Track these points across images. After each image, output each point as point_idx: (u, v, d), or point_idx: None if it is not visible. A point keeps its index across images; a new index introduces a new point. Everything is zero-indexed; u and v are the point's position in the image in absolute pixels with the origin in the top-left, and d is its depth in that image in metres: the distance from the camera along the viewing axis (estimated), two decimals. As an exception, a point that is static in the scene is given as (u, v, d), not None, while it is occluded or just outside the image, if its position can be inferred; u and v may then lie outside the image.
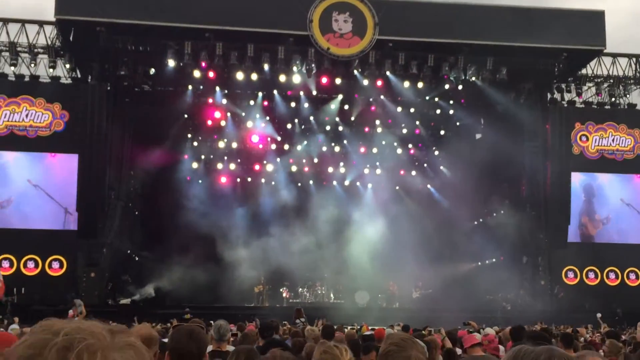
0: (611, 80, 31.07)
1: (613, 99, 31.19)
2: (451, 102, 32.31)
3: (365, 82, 29.57)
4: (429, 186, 35.61)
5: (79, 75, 28.98)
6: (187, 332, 4.40)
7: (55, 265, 27.08)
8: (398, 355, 3.46)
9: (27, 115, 27.48)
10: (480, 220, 34.04)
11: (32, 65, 28.01)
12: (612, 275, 29.78)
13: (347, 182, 35.54)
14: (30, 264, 26.85)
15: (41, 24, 28.01)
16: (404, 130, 34.20)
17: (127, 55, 28.10)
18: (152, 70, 29.38)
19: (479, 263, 33.26)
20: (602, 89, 31.26)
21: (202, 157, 34.56)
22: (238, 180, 34.96)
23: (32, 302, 23.94)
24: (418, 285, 31.75)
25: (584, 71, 30.92)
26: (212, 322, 9.52)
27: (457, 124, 33.41)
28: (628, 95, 31.37)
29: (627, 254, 29.90)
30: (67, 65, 28.57)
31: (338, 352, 3.89)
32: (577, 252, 29.36)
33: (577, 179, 30.36)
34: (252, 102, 32.30)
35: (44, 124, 27.54)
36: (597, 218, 30.48)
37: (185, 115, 32.94)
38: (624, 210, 30.58)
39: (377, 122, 33.53)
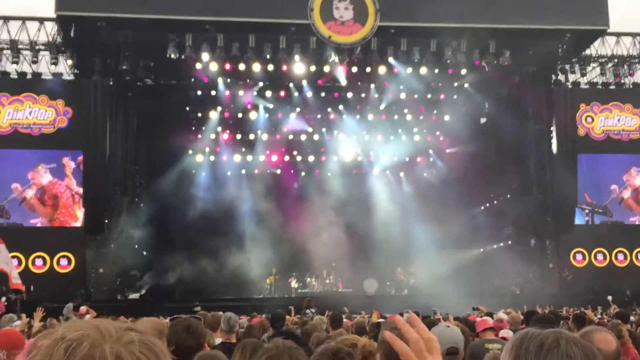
0: (615, 60, 30.86)
1: (618, 79, 31.02)
2: (456, 85, 32.16)
3: (368, 69, 29.48)
4: (434, 171, 35.56)
5: (81, 71, 28.94)
6: (184, 326, 4.38)
7: (64, 262, 27.15)
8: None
9: (30, 113, 27.49)
10: (487, 204, 33.98)
11: (34, 62, 27.99)
12: (620, 257, 29.68)
13: (353, 170, 35.50)
14: (39, 262, 26.93)
15: (42, 20, 27.96)
16: (408, 117, 34.13)
17: (129, 49, 28.03)
18: (153, 64, 29.35)
19: (487, 247, 33.23)
20: (607, 68, 31.07)
21: (207, 149, 34.57)
22: (243, 171, 34.98)
23: (41, 300, 23.96)
24: (412, 272, 31.69)
25: (587, 52, 30.72)
26: (207, 313, 9.53)
27: (463, 110, 33.29)
28: (633, 75, 31.17)
29: (636, 234, 29.81)
30: (69, 62, 28.56)
31: (354, 339, 3.88)
32: (585, 234, 29.27)
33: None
34: (254, 93, 32.21)
35: (47, 121, 27.55)
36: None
37: (187, 108, 32.90)
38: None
39: (382, 107, 33.42)
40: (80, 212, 27.63)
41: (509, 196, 32.01)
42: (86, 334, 1.21)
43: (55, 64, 28.03)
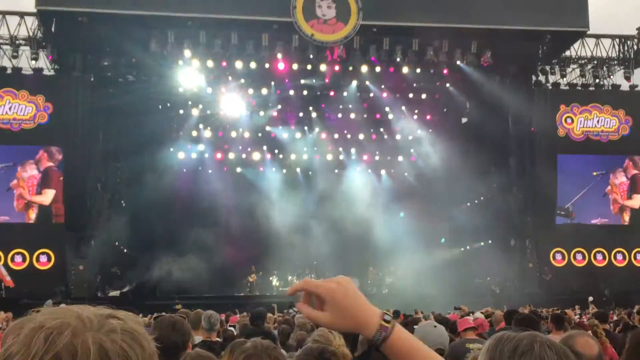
0: (595, 62, 31.16)
1: (597, 80, 31.30)
2: (438, 84, 32.30)
3: (350, 68, 29.54)
4: (415, 171, 35.67)
5: (62, 67, 28.72)
6: (169, 323, 4.36)
7: (43, 258, 26.92)
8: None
9: (10, 108, 27.22)
10: (468, 204, 34.15)
11: (14, 57, 27.73)
12: (599, 257, 29.95)
13: (335, 168, 35.53)
14: (18, 258, 26.68)
15: (22, 15, 27.73)
16: (390, 116, 34.23)
17: (110, 45, 27.84)
18: (134, 60, 29.20)
19: (467, 247, 33.40)
20: (586, 70, 31.36)
21: (189, 146, 34.49)
22: (225, 169, 34.93)
23: (20, 297, 23.80)
24: (391, 270, 31.80)
25: (567, 53, 31.00)
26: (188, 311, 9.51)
27: (445, 110, 33.46)
28: (612, 76, 31.46)
29: (614, 235, 30.10)
30: (50, 57, 28.33)
31: (332, 336, 3.89)
32: (565, 234, 29.50)
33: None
34: (235, 89, 32.12)
35: (27, 116, 27.30)
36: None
37: (169, 105, 32.76)
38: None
39: (365, 106, 33.49)
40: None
41: (489, 196, 32.17)
42: (66, 322, 1.16)
43: (36, 59, 27.80)
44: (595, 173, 30.54)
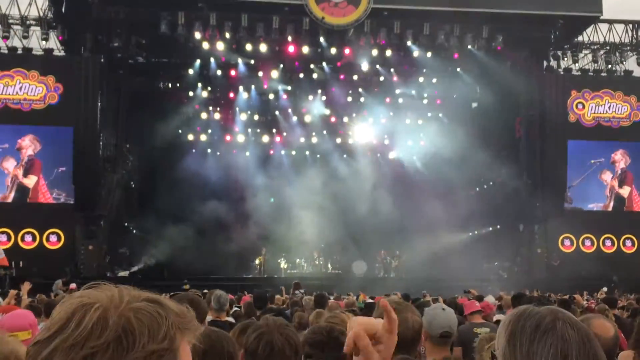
0: (607, 47, 30.92)
1: (609, 66, 31.08)
2: (449, 69, 32.15)
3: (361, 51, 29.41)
4: (424, 155, 35.55)
5: (72, 48, 28.71)
6: (187, 300, 4.38)
7: (53, 238, 27.09)
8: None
9: (21, 89, 27.29)
10: (477, 189, 34.08)
11: (25, 37, 27.75)
12: (608, 243, 29.89)
13: (344, 153, 35.45)
14: (28, 238, 26.86)
15: (33, -5, 27.74)
16: (400, 100, 34.11)
17: (120, 26, 27.82)
18: (145, 41, 29.17)
19: (476, 232, 33.37)
20: (599, 55, 31.11)
21: (199, 128, 34.51)
22: (234, 151, 34.93)
23: (30, 276, 23.91)
24: (396, 254, 31.80)
25: (580, 38, 30.77)
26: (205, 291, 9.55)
27: (454, 95, 33.30)
28: (624, 62, 31.23)
29: (624, 221, 30.02)
30: (60, 38, 28.32)
31: (345, 317, 3.90)
32: (574, 220, 29.42)
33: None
34: (245, 72, 32.05)
35: (38, 97, 27.36)
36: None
37: (178, 85, 32.72)
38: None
39: (376, 90, 33.42)
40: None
41: (498, 181, 32.09)
42: (100, 299, 1.25)
43: (46, 39, 27.80)
44: (592, 161, 30.44)
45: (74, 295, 1.28)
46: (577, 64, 31.16)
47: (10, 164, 27.42)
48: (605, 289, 22.05)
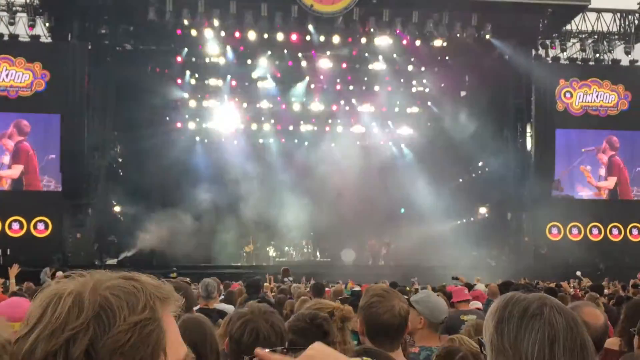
0: (595, 36, 31.01)
1: (597, 55, 31.17)
2: (439, 58, 32.17)
3: (349, 39, 29.37)
4: (413, 143, 35.63)
5: (59, 34, 28.49)
6: (175, 287, 4.37)
7: (41, 226, 26.96)
8: (381, 306, 3.49)
9: (7, 76, 27.08)
10: (465, 177, 34.19)
11: (11, 24, 27.50)
12: (595, 231, 30.07)
13: (332, 142, 35.40)
14: (15, 226, 26.71)
15: (19, -19, 27.48)
16: (389, 88, 34.09)
17: (108, 13, 27.64)
18: (132, 28, 28.98)
19: (464, 220, 33.49)
20: (587, 44, 31.20)
21: (187, 116, 34.38)
22: (223, 139, 34.82)
23: (17, 264, 23.84)
24: (385, 242, 31.86)
25: (568, 27, 30.82)
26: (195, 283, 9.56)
27: (441, 85, 33.33)
28: (612, 51, 31.32)
29: (610, 209, 30.21)
30: (47, 24, 28.10)
31: (329, 304, 3.91)
32: (561, 208, 29.55)
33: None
34: (234, 60, 31.90)
35: (24, 84, 27.16)
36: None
37: (166, 72, 32.55)
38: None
39: (365, 78, 33.40)
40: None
41: (487, 169, 32.22)
42: (74, 284, 1.27)
43: (33, 26, 27.58)
44: (584, 150, 30.58)
45: (46, 287, 1.30)
46: (565, 53, 31.27)
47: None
48: (579, 272, 22.22)
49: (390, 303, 3.51)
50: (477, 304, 8.86)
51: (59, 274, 15.45)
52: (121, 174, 32.83)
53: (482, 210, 33.13)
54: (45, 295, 1.27)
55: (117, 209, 32.18)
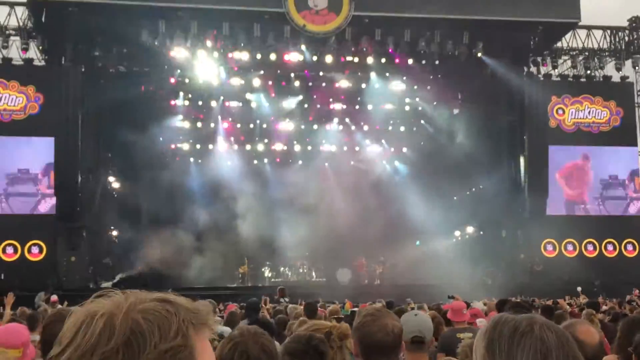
0: (586, 53, 31.24)
1: (588, 72, 31.37)
2: (431, 77, 32.33)
3: (342, 59, 29.50)
4: (407, 162, 35.71)
5: (52, 57, 28.55)
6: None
7: (35, 250, 26.84)
8: (374, 325, 3.48)
9: (0, 99, 27.11)
10: (460, 194, 34.22)
11: (4, 47, 27.56)
12: (590, 247, 30.09)
13: (326, 161, 35.44)
14: (9, 250, 26.60)
15: (12, 5, 27.58)
16: (382, 106, 34.18)
17: (101, 36, 27.68)
18: (126, 51, 29.06)
19: (459, 238, 33.47)
20: (578, 61, 31.43)
21: (181, 137, 34.40)
22: (217, 160, 34.79)
23: (12, 288, 23.67)
24: (381, 261, 31.79)
25: (559, 44, 31.05)
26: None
27: (434, 103, 33.47)
28: (603, 68, 31.54)
29: (605, 226, 30.24)
30: (40, 47, 28.17)
31: (328, 324, 3.89)
32: (556, 225, 29.60)
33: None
34: (227, 80, 31.98)
35: (18, 107, 27.18)
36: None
37: (160, 93, 32.60)
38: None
39: (358, 98, 33.52)
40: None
41: (481, 187, 32.26)
42: (106, 305, 1.25)
43: (26, 49, 27.65)
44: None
45: (80, 307, 1.29)
46: (556, 70, 31.47)
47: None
48: (579, 288, 22.19)
49: (383, 322, 3.51)
50: (483, 322, 8.77)
51: (54, 297, 15.30)
52: (115, 196, 32.77)
53: (477, 227, 33.10)
54: (79, 316, 1.25)
55: (111, 231, 32.06)
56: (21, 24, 27.46)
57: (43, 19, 26.96)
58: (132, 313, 1.23)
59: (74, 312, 1.28)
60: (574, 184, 30.72)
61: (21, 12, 27.39)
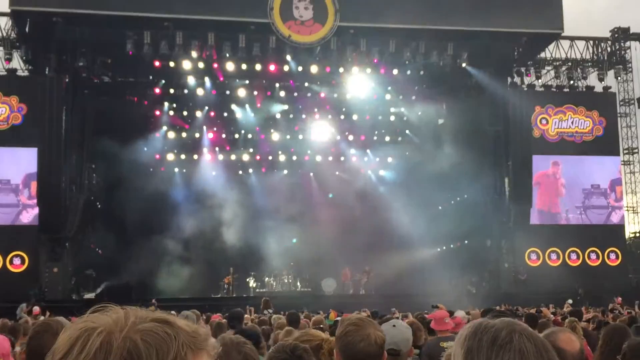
0: (569, 63, 31.52)
1: (571, 82, 31.63)
2: (416, 88, 32.47)
3: (327, 69, 29.56)
4: (392, 172, 35.77)
5: (36, 68, 28.41)
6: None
7: (17, 261, 26.62)
8: (357, 334, 3.46)
9: (-17, 110, 26.94)
10: (444, 204, 34.30)
11: (-13, 58, 27.45)
12: (573, 256, 30.24)
13: (311, 172, 35.46)
14: (-9, 261, 26.38)
15: (-5, 15, 27.46)
16: (367, 117, 34.27)
17: (85, 46, 27.58)
18: (110, 61, 28.96)
19: (444, 247, 33.54)
20: (561, 72, 31.70)
21: (165, 147, 34.28)
22: (201, 169, 34.72)
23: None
24: (365, 270, 31.76)
25: (542, 55, 31.30)
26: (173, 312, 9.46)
27: (419, 113, 33.59)
28: (586, 78, 31.80)
29: (588, 234, 30.42)
30: (24, 57, 28.03)
31: (317, 333, 3.89)
32: (540, 234, 29.75)
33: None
34: (212, 91, 31.96)
35: (1, 118, 27.03)
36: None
37: (144, 104, 32.51)
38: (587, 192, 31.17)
39: (344, 108, 33.56)
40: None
41: (465, 196, 32.35)
42: (104, 323, 1.21)
43: (10, 59, 27.52)
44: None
45: (78, 320, 1.24)
46: (540, 80, 31.71)
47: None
48: (570, 301, 22.27)
49: (365, 332, 3.49)
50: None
51: (36, 309, 15.18)
52: (99, 206, 32.57)
53: (462, 237, 33.18)
54: (75, 330, 1.21)
55: (94, 242, 31.84)
56: (4, 34, 27.36)
57: (27, 29, 26.86)
58: (131, 333, 1.19)
59: (70, 326, 1.24)
60: (543, 192, 30.85)
61: (5, 22, 27.33)
